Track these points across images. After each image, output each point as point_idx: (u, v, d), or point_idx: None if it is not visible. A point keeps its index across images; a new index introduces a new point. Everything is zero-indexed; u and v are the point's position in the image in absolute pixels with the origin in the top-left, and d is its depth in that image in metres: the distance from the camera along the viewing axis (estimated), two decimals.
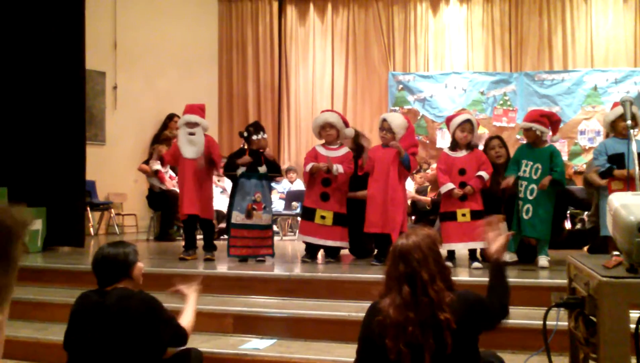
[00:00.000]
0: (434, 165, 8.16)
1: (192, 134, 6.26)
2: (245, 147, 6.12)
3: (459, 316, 2.45)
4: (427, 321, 2.44)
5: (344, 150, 6.13)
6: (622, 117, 5.22)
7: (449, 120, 6.02)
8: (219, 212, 8.27)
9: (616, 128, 5.48)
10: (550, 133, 5.72)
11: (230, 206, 6.02)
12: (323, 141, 6.21)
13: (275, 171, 6.21)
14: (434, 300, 2.47)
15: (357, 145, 6.58)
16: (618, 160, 5.32)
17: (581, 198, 6.61)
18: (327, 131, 6.13)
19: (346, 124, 6.28)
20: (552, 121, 5.75)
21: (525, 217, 5.53)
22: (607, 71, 10.51)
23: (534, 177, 5.52)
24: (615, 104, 5.72)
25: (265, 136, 6.20)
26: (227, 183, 8.64)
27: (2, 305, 0.82)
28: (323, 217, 5.95)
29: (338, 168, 5.90)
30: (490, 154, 6.04)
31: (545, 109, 10.34)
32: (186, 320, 3.37)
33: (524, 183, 5.58)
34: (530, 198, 5.52)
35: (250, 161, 5.96)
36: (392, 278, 2.57)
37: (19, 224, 0.86)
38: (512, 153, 6.04)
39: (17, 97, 7.02)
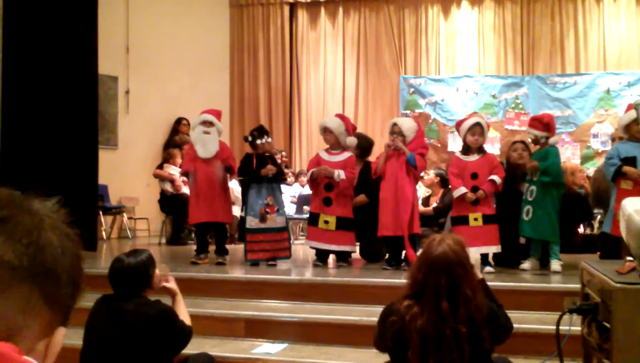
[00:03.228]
0: (431, 171, 8.13)
1: (207, 133, 6.26)
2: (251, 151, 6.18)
3: (489, 331, 2.45)
4: (459, 334, 2.40)
5: (346, 155, 6.13)
6: (636, 120, 5.19)
7: (458, 125, 6.02)
8: None
9: (630, 132, 5.46)
10: (548, 135, 5.69)
11: (244, 212, 6.04)
12: (327, 146, 6.25)
13: (280, 174, 6.26)
14: (476, 317, 2.43)
15: (362, 149, 6.57)
16: (631, 164, 5.30)
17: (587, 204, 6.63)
18: (325, 135, 6.19)
19: (350, 131, 6.26)
20: (543, 123, 5.74)
21: (525, 218, 5.64)
22: (620, 74, 10.43)
23: (534, 179, 5.60)
24: (629, 107, 5.69)
25: (270, 139, 6.25)
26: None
27: (65, 320, 0.91)
28: (326, 222, 5.96)
29: (340, 174, 5.89)
30: (513, 156, 6.05)
31: (556, 112, 10.39)
32: (188, 321, 3.38)
33: (526, 185, 5.69)
34: (530, 199, 5.63)
35: (275, 171, 6.00)
36: (427, 290, 2.45)
37: (82, 250, 0.94)
38: None
39: (30, 102, 7.07)
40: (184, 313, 3.38)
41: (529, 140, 6.20)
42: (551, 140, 5.70)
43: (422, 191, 8.20)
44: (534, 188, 5.60)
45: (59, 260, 0.87)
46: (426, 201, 7.91)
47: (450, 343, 2.38)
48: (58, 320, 0.90)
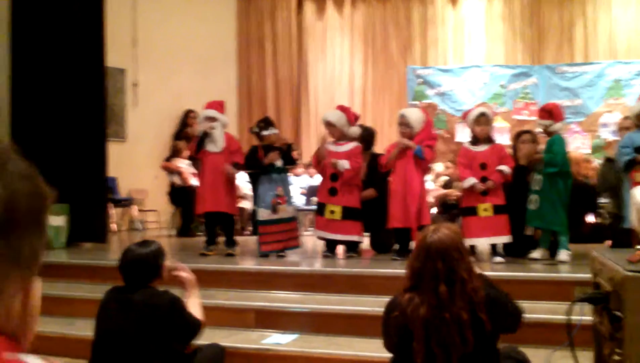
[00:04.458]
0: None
1: (212, 128, 6.28)
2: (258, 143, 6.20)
3: (489, 316, 2.45)
4: (461, 321, 2.42)
5: (351, 145, 6.12)
6: None
7: (464, 116, 6.02)
8: None
9: None
10: (552, 123, 5.66)
11: (255, 204, 6.07)
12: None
13: (289, 163, 6.25)
14: (474, 299, 2.45)
15: (364, 140, 6.55)
16: None
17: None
18: (329, 129, 6.21)
19: (352, 121, 6.25)
20: (547, 111, 5.71)
21: (532, 208, 5.59)
22: (629, 63, 10.36)
23: (539, 167, 5.59)
24: None
25: (277, 131, 6.27)
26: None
27: (37, 270, 0.84)
28: (332, 212, 5.98)
29: (343, 164, 5.91)
30: (521, 147, 6.02)
31: (565, 102, 10.34)
32: (200, 314, 3.36)
33: (533, 174, 5.65)
34: (536, 188, 5.59)
35: (278, 157, 6.02)
36: (425, 276, 2.49)
37: (49, 192, 0.88)
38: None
39: (39, 95, 7.09)
40: (196, 306, 3.35)
41: (538, 130, 6.15)
42: (554, 127, 5.63)
43: (440, 179, 8.18)
44: (540, 177, 5.58)
45: (14, 207, 0.79)
46: (447, 186, 7.92)
47: (451, 329, 2.40)
48: (29, 272, 0.82)
